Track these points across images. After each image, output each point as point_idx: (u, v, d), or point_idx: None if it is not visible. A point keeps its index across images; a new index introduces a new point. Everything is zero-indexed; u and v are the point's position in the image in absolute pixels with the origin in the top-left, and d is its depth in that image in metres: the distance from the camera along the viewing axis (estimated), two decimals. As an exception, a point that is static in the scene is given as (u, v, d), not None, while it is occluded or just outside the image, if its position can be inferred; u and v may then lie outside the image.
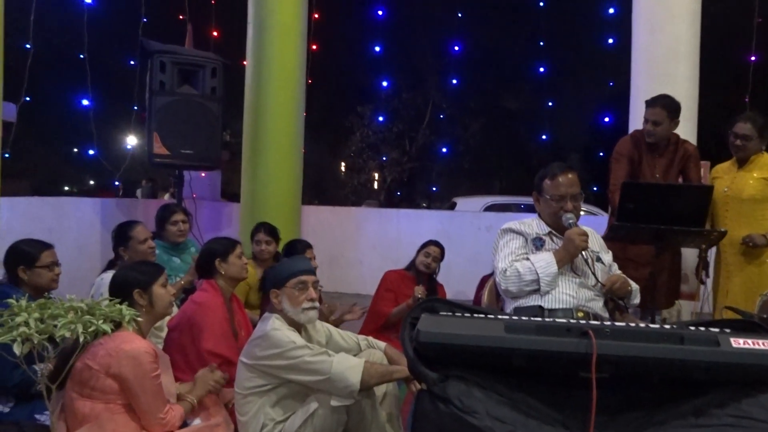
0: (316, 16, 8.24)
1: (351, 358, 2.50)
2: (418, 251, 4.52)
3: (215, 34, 9.70)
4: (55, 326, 1.98)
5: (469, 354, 1.75)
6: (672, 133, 4.04)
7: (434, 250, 4.47)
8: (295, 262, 2.76)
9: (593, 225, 3.95)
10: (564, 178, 2.78)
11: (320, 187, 23.12)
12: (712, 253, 4.12)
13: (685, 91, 5.39)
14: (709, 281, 4.18)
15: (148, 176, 13.50)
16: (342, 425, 2.48)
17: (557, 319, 1.95)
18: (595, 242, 2.88)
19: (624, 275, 2.87)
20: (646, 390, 1.81)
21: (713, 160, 5.65)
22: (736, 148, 3.78)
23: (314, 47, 8.94)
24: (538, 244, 2.80)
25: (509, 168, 19.82)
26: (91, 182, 24.87)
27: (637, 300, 2.85)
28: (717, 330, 1.86)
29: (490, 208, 9.35)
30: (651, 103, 3.97)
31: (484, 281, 4.61)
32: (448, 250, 4.60)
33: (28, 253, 2.87)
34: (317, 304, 2.69)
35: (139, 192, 13.19)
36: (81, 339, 2.01)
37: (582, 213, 3.04)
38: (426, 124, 19.60)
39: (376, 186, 21.59)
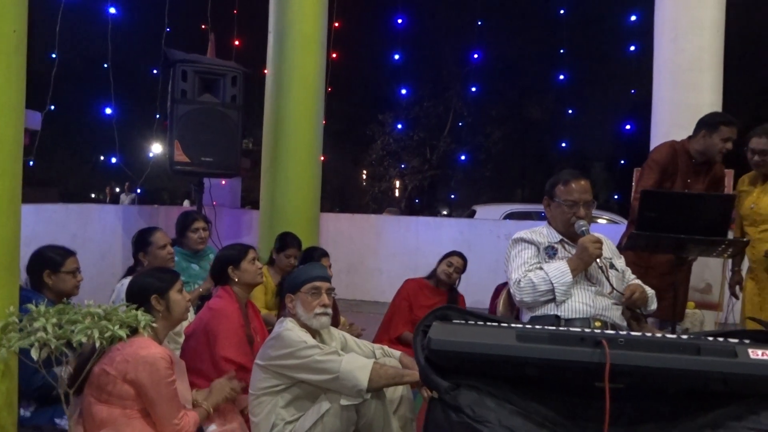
0: (337, 25, 8.29)
1: (360, 358, 2.53)
2: (440, 260, 4.48)
3: (237, 43, 9.81)
4: (72, 331, 2.00)
5: (480, 363, 1.74)
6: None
7: (457, 260, 4.43)
8: (311, 268, 2.81)
9: (614, 233, 3.92)
10: (577, 185, 2.77)
11: (341, 195, 23.22)
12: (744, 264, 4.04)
13: (709, 100, 5.33)
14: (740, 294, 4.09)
15: (131, 182, 13.35)
16: (352, 426, 2.48)
17: (571, 329, 1.92)
18: (608, 248, 2.85)
19: (640, 282, 2.83)
20: (662, 401, 1.78)
21: (737, 169, 5.57)
22: (755, 164, 3.69)
23: (335, 56, 9.00)
24: (550, 252, 2.78)
25: (530, 176, 19.72)
26: (117, 190, 25.24)
27: (654, 306, 2.81)
28: (735, 341, 1.82)
29: (509, 216, 9.30)
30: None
31: (499, 290, 4.57)
32: (468, 258, 4.56)
33: (53, 259, 2.93)
34: (329, 310, 2.71)
35: (122, 198, 13.04)
36: (97, 344, 2.04)
37: (603, 221, 3.02)
38: (447, 132, 19.59)
39: (397, 194, 21.61)
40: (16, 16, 2.23)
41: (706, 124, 3.87)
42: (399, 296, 4.43)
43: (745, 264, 3.92)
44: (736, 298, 4.01)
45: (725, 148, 3.83)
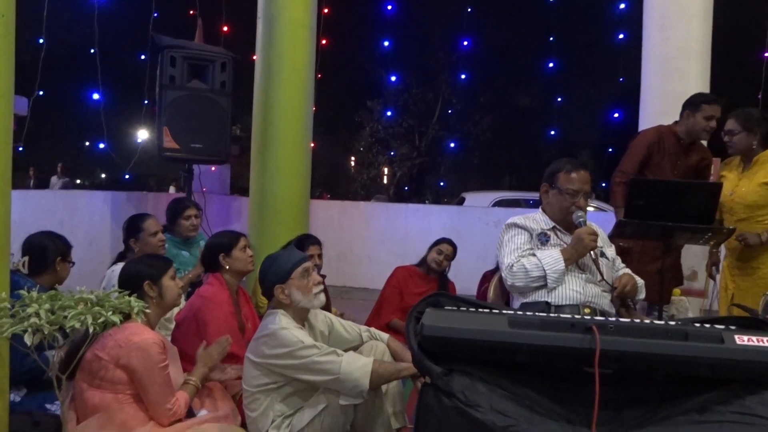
0: (326, 11, 8.24)
1: (360, 357, 2.50)
2: (431, 248, 4.50)
3: (225, 29, 9.72)
4: (65, 317, 2.00)
5: (472, 348, 1.76)
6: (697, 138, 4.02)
7: (447, 248, 4.45)
8: (290, 254, 2.73)
9: (602, 221, 3.95)
10: (579, 175, 2.79)
11: (330, 182, 23.18)
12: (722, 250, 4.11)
13: (697, 88, 5.35)
14: (718, 278, 4.17)
15: (63, 165, 12.24)
16: (349, 422, 2.50)
17: (562, 315, 1.95)
18: (600, 238, 2.88)
19: (630, 273, 2.87)
20: (651, 386, 1.81)
21: (723, 156, 5.63)
22: (727, 146, 3.77)
23: (324, 42, 8.95)
24: (543, 239, 2.80)
25: (519, 164, 19.79)
26: (103, 175, 25.06)
27: (642, 295, 2.86)
28: (722, 327, 1.86)
29: (498, 204, 9.35)
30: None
31: (486, 277, 4.60)
32: (457, 245, 4.59)
33: (63, 247, 3.01)
34: (322, 285, 2.70)
35: (53, 181, 11.73)
36: (90, 330, 2.04)
37: (591, 209, 3.05)
38: (436, 119, 19.59)
39: (385, 181, 21.61)
40: (3, 1, 2.21)
41: (689, 104, 3.98)
42: (389, 283, 4.45)
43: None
44: (713, 279, 4.09)
45: (709, 127, 3.92)
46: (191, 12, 8.07)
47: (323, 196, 17.82)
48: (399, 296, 4.32)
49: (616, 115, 12.73)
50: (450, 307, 1.96)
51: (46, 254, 2.94)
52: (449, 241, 4.50)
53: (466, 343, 1.75)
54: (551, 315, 1.91)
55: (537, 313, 1.92)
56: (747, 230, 3.63)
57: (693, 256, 5.07)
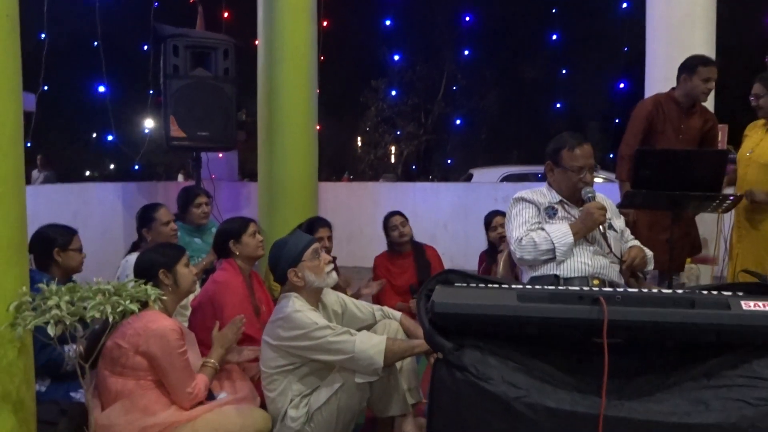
0: (327, -8, 8.20)
1: (373, 336, 2.54)
2: (386, 230, 4.54)
3: (226, 15, 9.69)
4: (85, 308, 2.06)
5: (483, 323, 1.80)
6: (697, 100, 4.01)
7: (396, 219, 4.49)
8: (298, 237, 2.77)
9: (609, 192, 3.96)
10: (581, 150, 2.79)
11: (338, 163, 23.17)
12: (731, 217, 4.11)
13: (702, 55, 5.33)
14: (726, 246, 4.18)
15: (44, 157, 11.28)
16: (365, 399, 2.55)
17: (570, 287, 1.98)
18: (608, 208, 2.90)
19: (639, 245, 2.88)
20: (659, 354, 1.85)
21: (731, 123, 5.59)
22: (754, 109, 3.77)
23: (325, 24, 8.91)
24: (550, 212, 2.82)
25: (526, 137, 19.68)
26: (111, 166, 25.16)
27: (651, 266, 2.88)
28: (729, 293, 1.89)
29: (506, 179, 9.34)
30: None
31: (482, 258, 4.63)
32: (465, 222, 4.63)
33: (61, 237, 2.99)
34: (332, 264, 2.75)
35: (34, 175, 10.69)
36: (110, 319, 2.09)
37: (600, 180, 3.06)
38: (441, 96, 19.48)
39: (393, 160, 21.58)
40: (8, 1, 2.23)
41: (685, 67, 3.98)
42: (376, 274, 4.51)
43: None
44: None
45: (707, 88, 3.93)
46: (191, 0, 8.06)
47: (344, 179, 17.83)
48: (388, 282, 4.37)
49: (621, 85, 12.62)
50: (459, 284, 2.00)
51: (43, 247, 2.92)
52: (394, 213, 4.55)
53: (477, 318, 1.79)
54: (560, 288, 1.94)
55: (545, 287, 1.95)
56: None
57: (703, 223, 5.07)
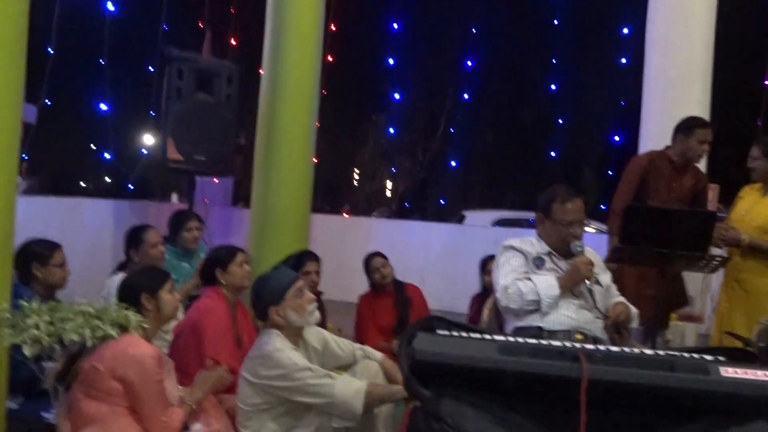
0: (333, 27, 8.33)
1: (353, 381, 2.52)
2: (367, 272, 4.52)
3: (233, 41, 9.82)
4: (64, 329, 2.04)
5: (462, 374, 1.78)
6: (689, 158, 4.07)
7: (377, 261, 4.46)
8: (282, 274, 2.76)
9: (601, 243, 3.99)
10: (573, 204, 2.82)
11: (332, 194, 23.23)
12: (718, 275, 4.13)
13: (697, 113, 5.38)
14: (713, 304, 4.20)
15: (30, 165, 10.48)
16: None
17: (552, 342, 1.98)
18: (595, 263, 2.91)
19: (625, 302, 2.89)
20: (638, 415, 1.83)
21: (723, 183, 5.67)
22: (751, 171, 3.84)
23: (330, 58, 9.03)
24: (538, 263, 2.83)
25: (521, 182, 19.83)
26: (107, 179, 25.13)
27: (635, 323, 2.89)
28: (710, 358, 1.89)
29: (499, 223, 9.37)
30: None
31: (474, 300, 4.63)
32: (456, 264, 4.63)
33: (41, 252, 2.96)
34: (315, 302, 2.73)
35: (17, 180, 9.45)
36: (89, 343, 2.08)
37: (591, 230, 3.08)
38: (439, 134, 19.68)
39: (389, 194, 21.67)
40: (16, 13, 2.27)
41: (682, 128, 4.04)
42: (360, 312, 4.49)
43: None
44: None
45: (703, 150, 4.01)
46: (200, 24, 8.17)
47: (344, 211, 17.80)
48: (372, 321, 4.36)
49: (617, 138, 12.80)
50: (442, 332, 1.99)
51: (23, 262, 2.88)
52: (374, 254, 4.53)
53: (456, 368, 1.78)
54: (541, 342, 1.94)
55: (527, 340, 1.94)
56: (753, 255, 3.66)
57: (690, 280, 5.09)
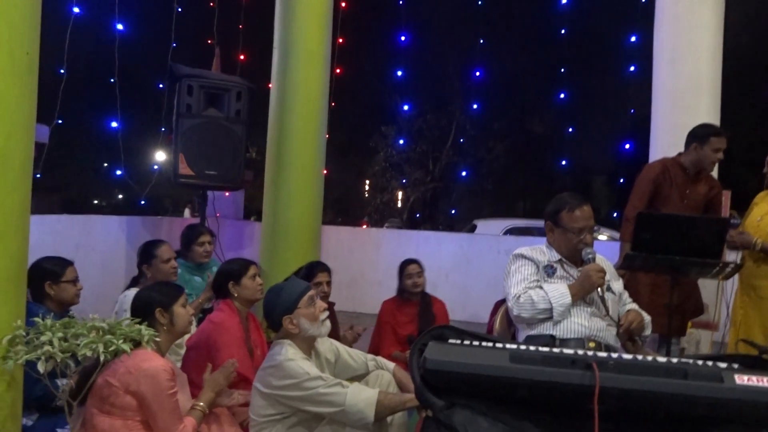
0: (341, 41, 8.39)
1: (365, 389, 2.52)
2: (400, 275, 4.51)
3: (242, 57, 9.91)
4: (78, 345, 2.06)
5: (474, 383, 1.78)
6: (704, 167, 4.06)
7: (412, 268, 4.45)
8: (294, 284, 2.77)
9: (613, 251, 3.97)
10: (582, 212, 2.81)
11: (343, 206, 23.32)
12: (733, 282, 4.09)
13: (707, 121, 5.38)
14: (728, 311, 4.16)
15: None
16: None
17: (564, 350, 1.97)
18: (607, 271, 2.90)
19: (637, 309, 2.87)
20: (650, 423, 1.82)
21: (735, 188, 5.63)
22: (763, 176, 3.83)
23: (338, 71, 9.09)
24: (549, 271, 2.82)
25: (532, 191, 19.83)
26: (120, 196, 25.41)
27: (649, 331, 2.86)
28: (724, 365, 1.87)
29: (510, 231, 9.35)
30: None
31: (497, 307, 4.61)
32: (467, 273, 4.61)
33: (53, 269, 2.99)
34: (327, 312, 2.74)
35: None
36: (102, 358, 2.09)
37: (603, 238, 3.06)
38: (450, 145, 19.73)
39: (399, 205, 21.71)
40: (29, 39, 2.31)
41: (696, 136, 4.01)
42: (380, 319, 4.46)
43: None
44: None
45: (717, 158, 3.98)
46: (209, 41, 8.26)
47: (361, 223, 17.81)
48: (391, 329, 4.34)
49: (627, 146, 12.74)
50: (453, 341, 1.99)
51: (36, 280, 2.91)
52: (412, 261, 4.51)
53: (468, 378, 1.78)
54: (553, 350, 1.93)
55: (539, 348, 1.93)
56: (765, 264, 3.63)
57: (704, 288, 5.05)
